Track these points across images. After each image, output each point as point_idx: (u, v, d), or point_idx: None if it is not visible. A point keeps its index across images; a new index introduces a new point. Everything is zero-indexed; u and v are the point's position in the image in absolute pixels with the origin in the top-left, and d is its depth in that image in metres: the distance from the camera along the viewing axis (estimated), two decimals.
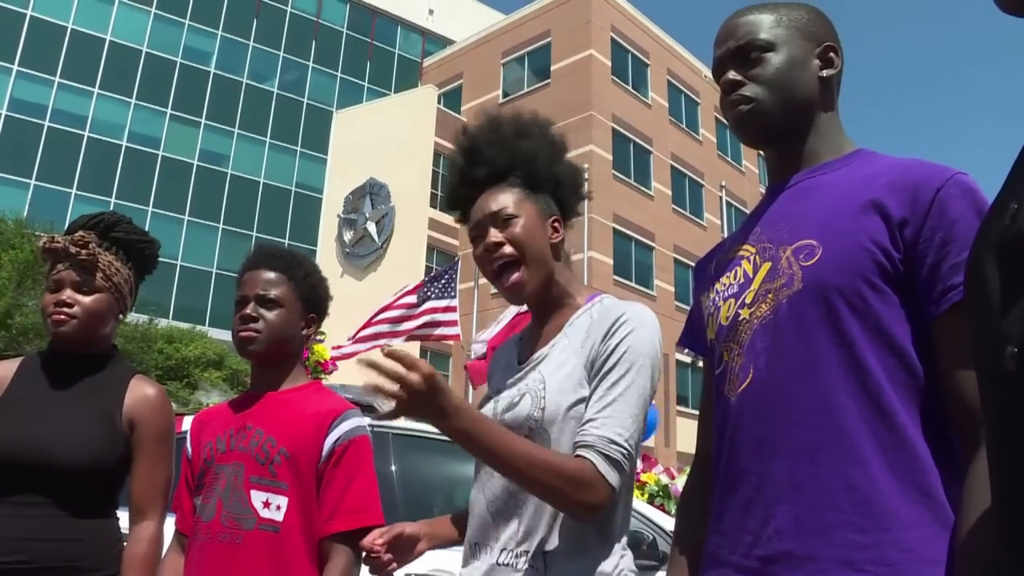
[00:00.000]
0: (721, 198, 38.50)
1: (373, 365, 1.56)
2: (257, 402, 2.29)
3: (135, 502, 2.33)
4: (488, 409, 1.98)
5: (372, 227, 33.81)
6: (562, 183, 2.07)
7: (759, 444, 1.47)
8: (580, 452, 1.74)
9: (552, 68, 34.96)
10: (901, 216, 1.41)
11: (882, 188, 1.45)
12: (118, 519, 2.38)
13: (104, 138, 36.42)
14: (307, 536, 2.13)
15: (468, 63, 39.13)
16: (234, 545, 2.10)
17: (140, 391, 2.40)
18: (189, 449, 2.36)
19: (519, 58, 37.05)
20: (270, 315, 2.26)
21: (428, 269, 28.28)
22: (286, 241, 37.68)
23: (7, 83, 35.63)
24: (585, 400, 1.82)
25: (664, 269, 34.72)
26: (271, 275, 2.30)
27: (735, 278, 1.61)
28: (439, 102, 37.24)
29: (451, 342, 9.68)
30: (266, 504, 2.12)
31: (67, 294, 2.34)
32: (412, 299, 10.54)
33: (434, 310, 10.38)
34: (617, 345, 1.82)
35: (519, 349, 2.09)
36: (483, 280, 20.36)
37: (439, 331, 10.45)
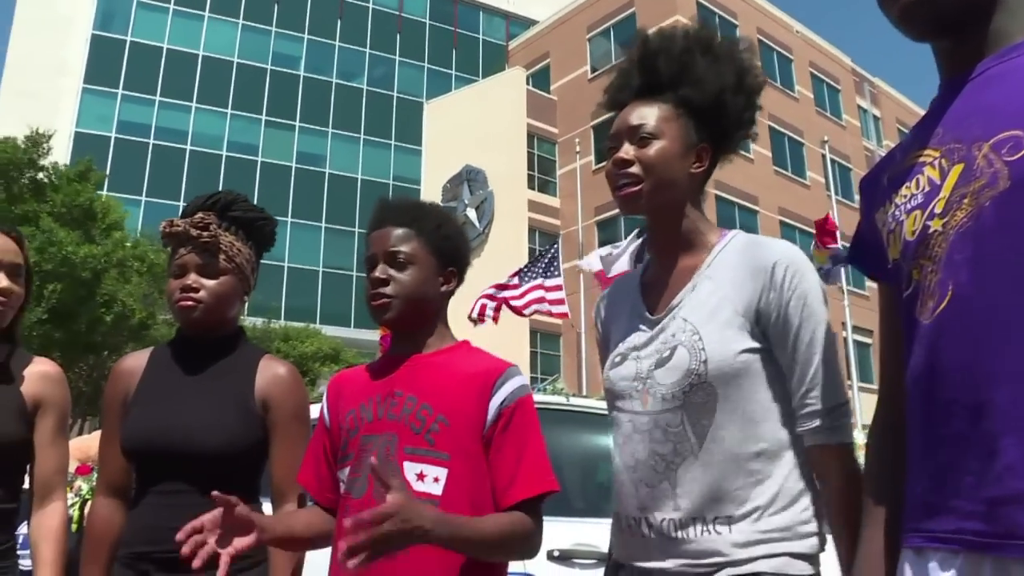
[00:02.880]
0: (824, 155, 37.24)
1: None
2: (402, 366, 2.07)
3: (276, 485, 2.27)
4: (629, 367, 1.83)
5: (472, 213, 33.95)
6: (727, 114, 1.89)
7: (969, 370, 1.23)
8: (815, 441, 1.69)
9: None
10: None
11: None
12: (261, 503, 2.32)
13: (205, 150, 37.47)
14: (471, 509, 1.89)
15: (554, 42, 38.82)
16: None
17: (271, 371, 2.33)
18: (327, 417, 2.15)
19: (604, 31, 36.56)
20: (402, 275, 2.04)
21: (531, 251, 28.23)
22: None
23: (114, 107, 37.13)
24: (753, 351, 1.71)
25: (770, 232, 33.81)
26: (399, 231, 2.07)
27: (918, 187, 1.38)
28: (528, 83, 37.09)
29: (559, 321, 9.57)
30: (420, 476, 1.91)
31: (192, 278, 2.27)
32: (515, 280, 10.46)
33: (540, 287, 10.29)
34: (792, 296, 1.72)
35: (643, 296, 1.93)
36: None
37: (547, 307, 10.35)
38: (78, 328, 19.64)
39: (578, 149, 30.88)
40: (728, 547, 1.67)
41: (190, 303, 2.26)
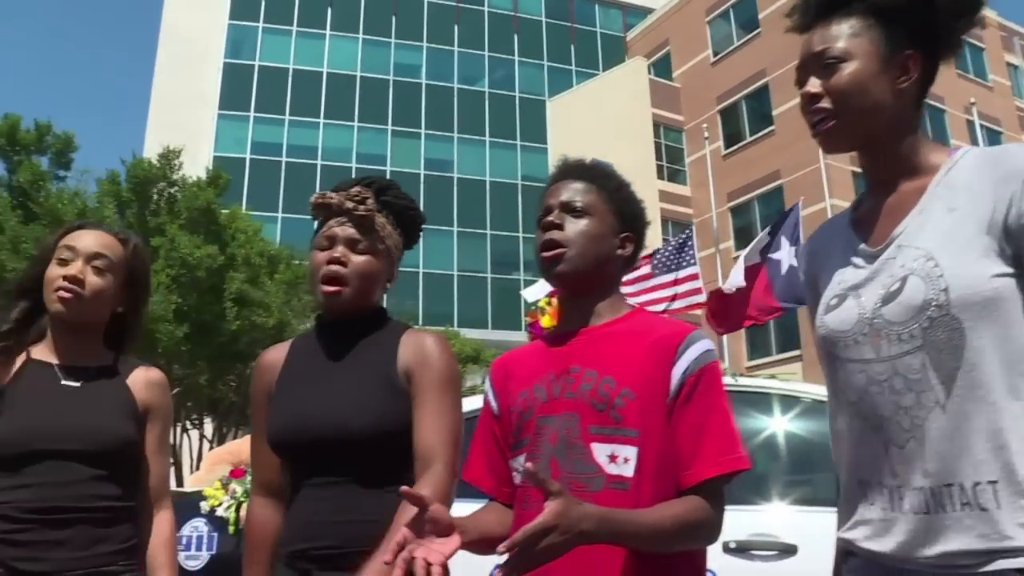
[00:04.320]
0: (971, 121, 35.38)
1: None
2: (574, 339, 1.88)
3: (420, 452, 2.00)
4: (849, 309, 1.56)
5: None
6: (935, 4, 1.57)
7: None
8: None
9: (760, 16, 33.53)
10: None
11: None
12: None
13: (335, 163, 38.36)
14: (657, 489, 1.70)
15: (672, 28, 38.35)
16: None
17: (413, 340, 2.14)
18: (494, 403, 1.98)
19: (723, 13, 35.95)
20: (578, 223, 1.88)
21: (665, 242, 27.87)
22: (520, 234, 38.39)
23: (247, 130, 38.68)
24: (1005, 275, 1.42)
25: None
26: (578, 184, 1.93)
27: None
28: (650, 72, 36.83)
29: (698, 312, 9.22)
30: (612, 458, 1.71)
31: (340, 251, 2.11)
32: (647, 269, 10.06)
33: (676, 282, 9.88)
34: None
35: (856, 230, 1.66)
36: (724, 245, 19.59)
37: (685, 301, 9.93)
38: (222, 340, 20.45)
39: (706, 135, 30.24)
40: (997, 527, 1.35)
41: (335, 288, 2.10)
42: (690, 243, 9.93)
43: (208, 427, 24.70)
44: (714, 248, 23.94)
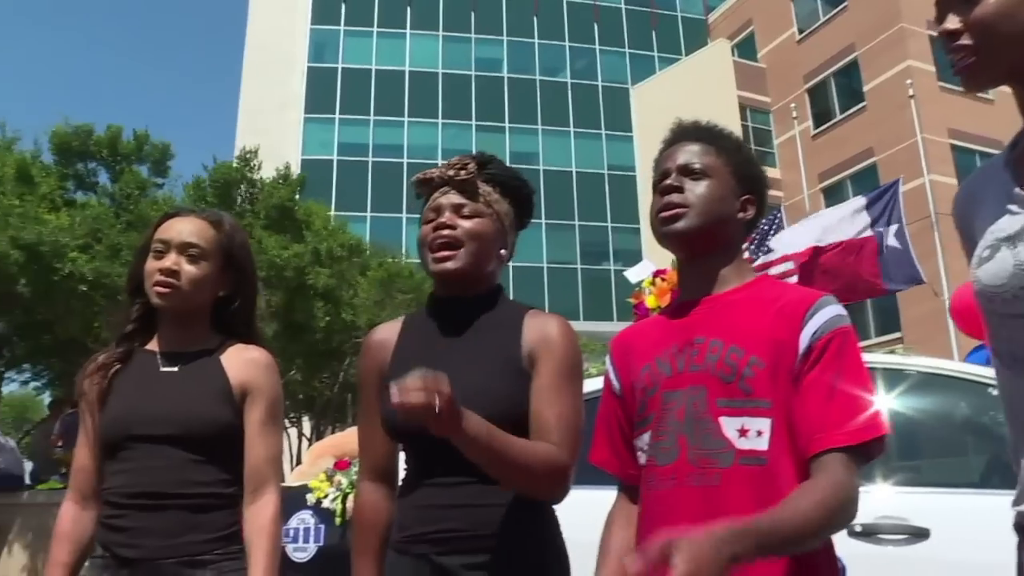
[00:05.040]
0: None
1: None
2: (696, 308, 1.80)
3: (535, 430, 1.90)
4: (1003, 261, 1.39)
5: None
6: None
7: None
8: None
9: None
10: None
11: None
12: None
13: (421, 161, 38.59)
14: (796, 463, 1.60)
15: (755, 7, 37.55)
16: (712, 488, 1.62)
17: (538, 323, 2.02)
18: (616, 381, 1.90)
19: None
20: (698, 186, 1.80)
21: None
22: (608, 224, 38.17)
23: (333, 131, 39.35)
24: None
25: None
26: (695, 146, 1.86)
27: None
28: (734, 54, 36.15)
29: None
30: (743, 432, 1.62)
31: (447, 216, 2.04)
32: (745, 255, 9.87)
33: (765, 265, 9.68)
34: None
35: (1013, 172, 1.46)
36: None
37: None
38: (312, 339, 20.72)
39: (795, 115, 29.55)
40: None
41: (445, 252, 2.01)
42: (781, 227, 9.71)
43: (306, 425, 25.16)
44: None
